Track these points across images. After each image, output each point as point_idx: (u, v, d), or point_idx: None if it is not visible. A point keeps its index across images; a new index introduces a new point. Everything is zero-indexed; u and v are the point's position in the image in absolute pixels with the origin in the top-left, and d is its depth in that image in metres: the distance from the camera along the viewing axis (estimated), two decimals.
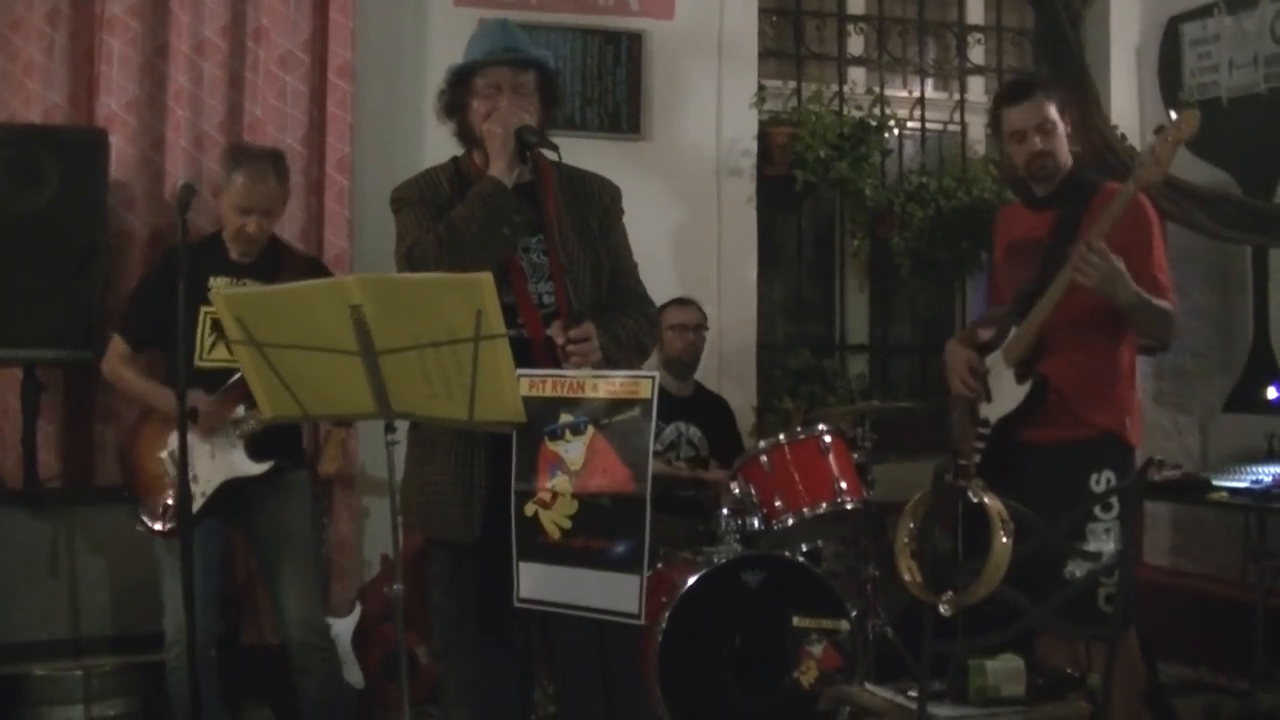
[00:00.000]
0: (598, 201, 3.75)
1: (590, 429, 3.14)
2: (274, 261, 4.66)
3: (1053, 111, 4.43)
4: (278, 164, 4.71)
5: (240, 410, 4.43)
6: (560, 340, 3.39)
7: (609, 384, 3.16)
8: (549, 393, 3.22)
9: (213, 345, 4.47)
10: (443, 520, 3.56)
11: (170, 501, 4.45)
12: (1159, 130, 4.17)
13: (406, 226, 3.62)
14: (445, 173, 3.72)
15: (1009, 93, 4.59)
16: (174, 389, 4.36)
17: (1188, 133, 4.13)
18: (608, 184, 3.81)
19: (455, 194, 3.62)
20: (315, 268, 4.83)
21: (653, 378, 3.10)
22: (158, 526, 4.50)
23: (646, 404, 3.09)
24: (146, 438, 4.60)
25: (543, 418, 3.20)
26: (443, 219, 3.50)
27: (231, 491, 4.47)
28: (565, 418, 3.17)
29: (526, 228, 3.56)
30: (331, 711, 4.62)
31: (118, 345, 4.66)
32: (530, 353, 3.47)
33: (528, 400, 3.22)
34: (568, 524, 3.17)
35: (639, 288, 3.80)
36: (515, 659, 3.67)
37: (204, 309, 4.46)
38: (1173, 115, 4.19)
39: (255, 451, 4.47)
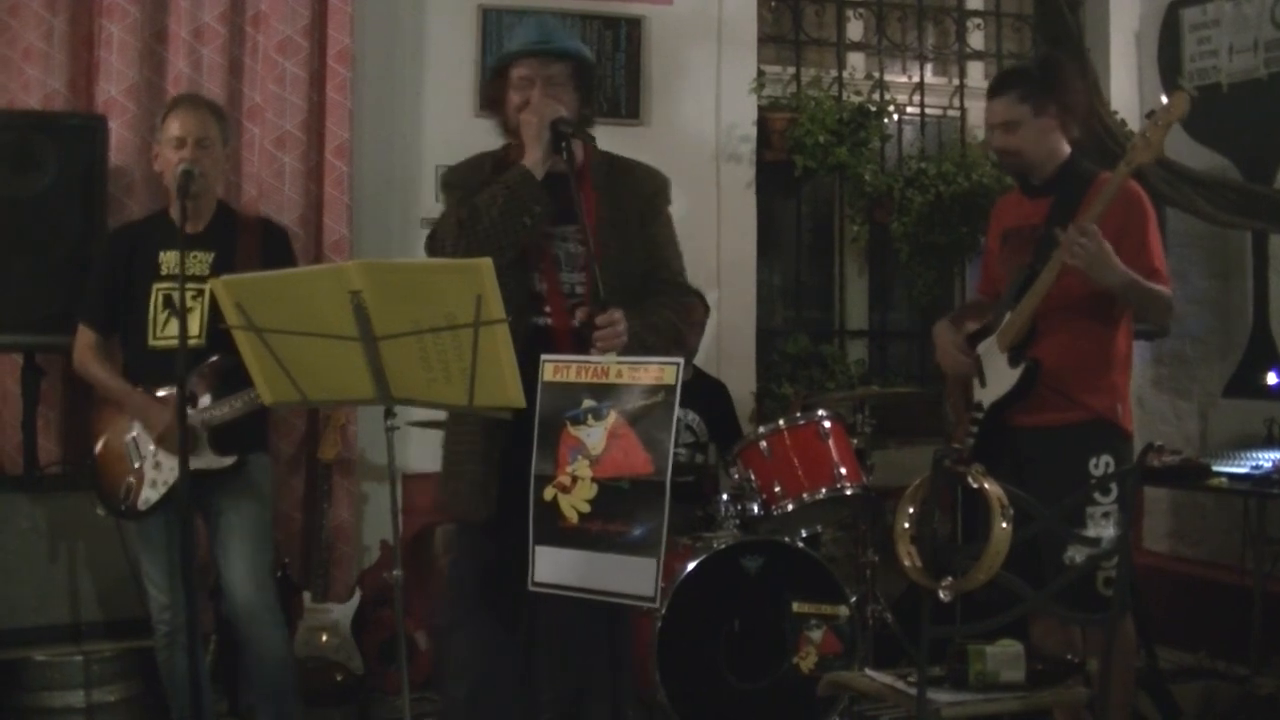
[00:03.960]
0: (641, 192, 3.79)
1: (612, 414, 3.17)
2: (226, 228, 4.55)
3: (1020, 110, 4.44)
4: (215, 108, 4.68)
5: (206, 400, 4.37)
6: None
7: (632, 370, 3.18)
8: (572, 378, 3.24)
9: (165, 322, 4.38)
10: (463, 499, 3.62)
11: (130, 485, 4.43)
12: (1150, 114, 4.21)
13: (446, 209, 3.70)
14: (491, 158, 3.76)
15: (990, 86, 4.65)
16: (140, 376, 4.40)
17: (1177, 115, 4.15)
18: (654, 174, 3.85)
19: (493, 179, 3.66)
20: (269, 230, 4.71)
21: (677, 364, 3.13)
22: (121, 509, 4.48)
23: (670, 390, 3.12)
24: (111, 421, 4.53)
25: (566, 402, 3.23)
26: (467, 203, 3.54)
27: (195, 480, 4.26)
28: (588, 403, 3.20)
29: (553, 217, 3.59)
30: (278, 696, 4.56)
31: (85, 336, 4.53)
32: (555, 341, 3.52)
33: (550, 385, 3.24)
34: (586, 508, 3.20)
35: (678, 279, 3.82)
36: (517, 642, 3.70)
37: (156, 285, 4.41)
38: (1164, 99, 4.21)
39: (219, 444, 4.40)
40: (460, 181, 3.71)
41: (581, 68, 3.73)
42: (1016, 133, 4.46)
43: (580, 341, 3.49)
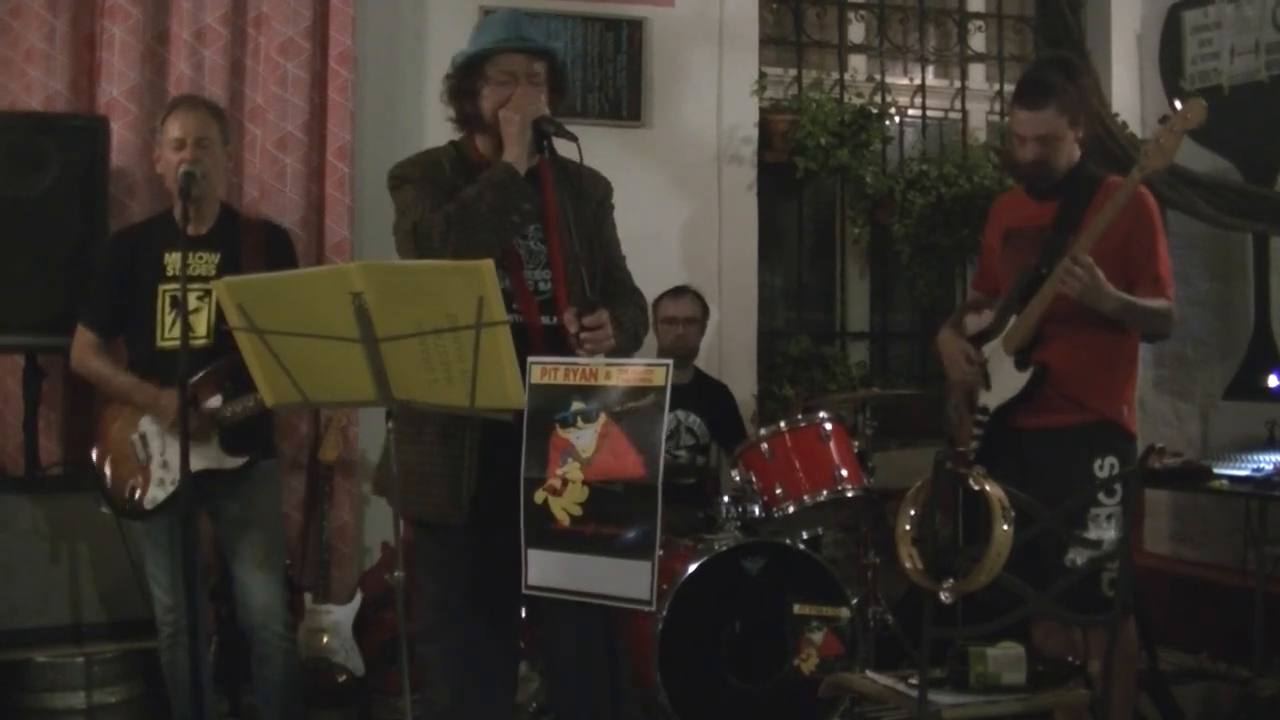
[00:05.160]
0: (592, 195, 3.78)
1: (602, 416, 3.15)
2: (230, 230, 4.55)
3: (1059, 124, 4.38)
4: (214, 108, 4.68)
5: (216, 401, 4.36)
6: (574, 328, 3.39)
7: (622, 372, 3.16)
8: (561, 380, 3.22)
9: (173, 324, 4.37)
10: (429, 501, 3.57)
11: (136, 484, 4.43)
12: (1164, 119, 4.18)
13: (407, 204, 3.61)
14: (446, 155, 3.73)
15: (1024, 93, 4.49)
16: (147, 377, 4.40)
17: (1194, 122, 4.14)
18: (600, 178, 3.84)
19: (458, 176, 3.62)
20: (273, 232, 4.71)
21: (666, 366, 3.12)
22: (129, 508, 4.47)
23: (660, 391, 3.10)
24: (115, 420, 4.52)
25: (555, 405, 3.21)
26: (452, 199, 3.51)
27: (202, 480, 4.31)
28: (577, 405, 3.18)
29: (533, 215, 3.57)
30: (285, 702, 4.57)
31: (85, 336, 4.53)
32: (528, 339, 3.48)
33: (539, 387, 3.23)
34: (578, 511, 3.17)
35: (629, 279, 3.86)
36: (503, 643, 3.68)
37: (162, 287, 4.41)
38: (1178, 105, 4.19)
39: (229, 443, 4.40)
40: (421, 175, 3.64)
41: (557, 68, 3.73)
42: (1054, 145, 4.41)
43: (554, 339, 3.49)
